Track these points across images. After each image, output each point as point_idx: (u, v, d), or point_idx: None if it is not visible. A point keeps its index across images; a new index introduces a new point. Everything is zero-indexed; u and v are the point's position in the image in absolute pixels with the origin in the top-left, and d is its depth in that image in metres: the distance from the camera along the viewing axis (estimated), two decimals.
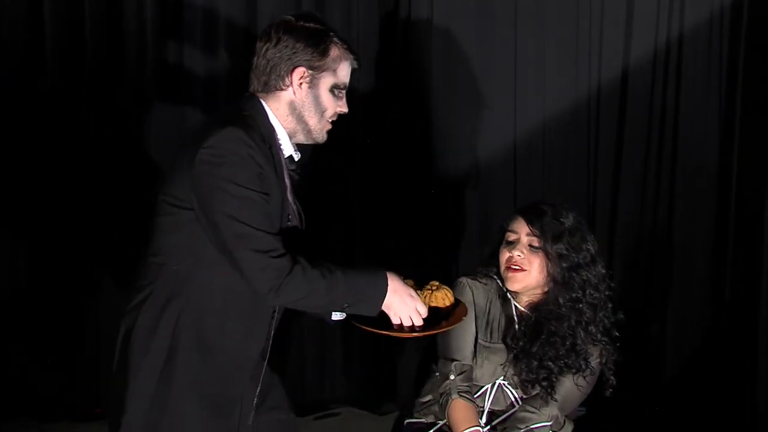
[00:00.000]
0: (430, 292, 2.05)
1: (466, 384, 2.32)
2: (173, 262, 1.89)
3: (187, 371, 1.90)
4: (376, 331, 1.97)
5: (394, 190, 3.65)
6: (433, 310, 2.01)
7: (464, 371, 2.32)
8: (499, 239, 2.43)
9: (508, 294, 2.40)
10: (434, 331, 2.01)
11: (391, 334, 1.97)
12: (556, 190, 3.67)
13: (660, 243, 3.64)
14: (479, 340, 2.36)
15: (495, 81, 3.62)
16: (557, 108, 3.63)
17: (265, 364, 2.06)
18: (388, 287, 1.92)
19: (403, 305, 1.94)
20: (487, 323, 2.37)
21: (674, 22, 3.55)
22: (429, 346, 2.69)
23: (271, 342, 2.04)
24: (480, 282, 2.40)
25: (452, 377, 2.31)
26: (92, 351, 3.53)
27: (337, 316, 2.07)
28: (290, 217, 1.98)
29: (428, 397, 2.45)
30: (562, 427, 2.32)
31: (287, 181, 1.97)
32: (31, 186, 3.47)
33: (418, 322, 1.96)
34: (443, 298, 2.05)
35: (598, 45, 3.61)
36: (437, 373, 2.41)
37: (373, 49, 3.61)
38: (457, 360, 2.33)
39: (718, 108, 3.57)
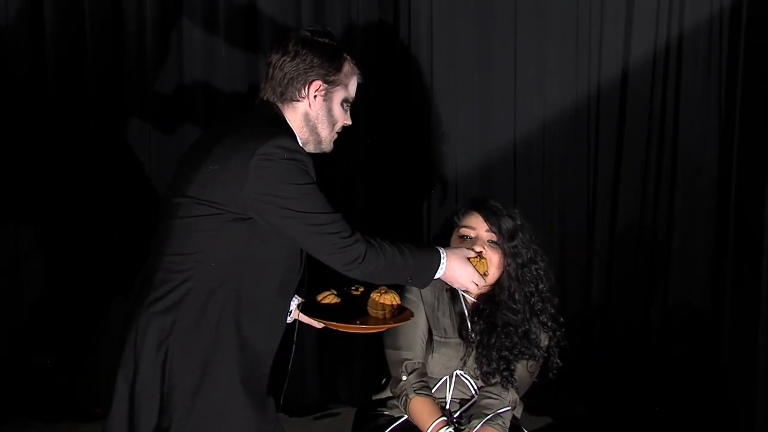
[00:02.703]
0: (378, 294, 2.20)
1: (420, 381, 2.37)
2: (211, 259, 1.94)
3: (231, 366, 1.96)
4: (336, 326, 2.14)
5: (394, 190, 3.65)
6: (381, 308, 2.21)
7: (416, 369, 2.37)
8: (445, 232, 2.47)
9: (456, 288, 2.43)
10: (384, 327, 2.20)
11: (350, 330, 2.15)
12: (556, 190, 3.68)
13: (660, 243, 3.64)
14: (434, 337, 2.40)
15: (495, 81, 3.62)
16: (557, 108, 3.63)
17: (292, 356, 2.18)
18: (445, 263, 2.12)
19: (465, 273, 2.16)
20: (438, 318, 2.42)
21: (674, 22, 3.55)
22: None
23: (294, 345, 2.16)
24: None
25: (404, 378, 2.36)
26: (93, 351, 3.53)
27: (289, 319, 2.25)
28: None
29: (387, 394, 2.48)
30: (515, 408, 2.42)
31: None
32: (31, 186, 3.47)
33: (481, 282, 2.20)
34: (391, 299, 2.20)
35: (598, 45, 3.61)
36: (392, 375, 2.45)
37: (374, 49, 3.61)
38: (407, 359, 2.37)
39: (718, 108, 3.57)
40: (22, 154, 3.45)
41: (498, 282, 2.38)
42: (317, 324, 2.23)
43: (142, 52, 3.46)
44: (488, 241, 2.36)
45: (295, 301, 2.27)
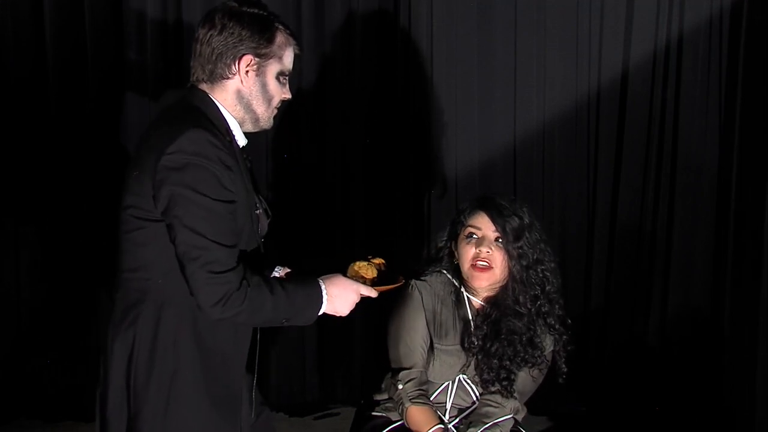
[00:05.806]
0: (359, 267, 2.08)
1: (418, 389, 2.32)
2: (157, 275, 1.84)
3: (195, 380, 1.88)
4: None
5: (394, 190, 3.65)
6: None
7: (412, 378, 2.33)
8: (452, 233, 2.42)
9: (462, 290, 2.39)
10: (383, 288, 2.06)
11: None
12: (557, 190, 3.67)
13: (660, 243, 3.64)
14: (434, 344, 2.35)
15: (495, 81, 3.62)
16: (557, 108, 3.63)
17: (257, 355, 2.06)
18: (325, 297, 1.93)
19: (345, 303, 1.96)
20: (440, 324, 2.37)
21: (674, 23, 3.55)
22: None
23: (258, 334, 2.05)
24: (425, 282, 2.40)
25: (400, 386, 2.32)
26: (93, 351, 3.52)
27: None
28: (257, 205, 1.96)
29: (385, 396, 2.45)
30: (517, 412, 2.37)
31: (246, 172, 1.94)
32: (32, 187, 3.48)
33: (371, 294, 2.01)
34: (372, 272, 2.09)
35: (598, 45, 3.61)
36: (389, 376, 2.41)
37: (374, 49, 3.60)
38: (404, 368, 2.33)
39: (718, 108, 3.57)
40: (23, 155, 3.45)
41: (504, 284, 2.34)
42: None
43: (143, 52, 3.46)
44: (495, 239, 2.32)
45: (278, 272, 2.15)
